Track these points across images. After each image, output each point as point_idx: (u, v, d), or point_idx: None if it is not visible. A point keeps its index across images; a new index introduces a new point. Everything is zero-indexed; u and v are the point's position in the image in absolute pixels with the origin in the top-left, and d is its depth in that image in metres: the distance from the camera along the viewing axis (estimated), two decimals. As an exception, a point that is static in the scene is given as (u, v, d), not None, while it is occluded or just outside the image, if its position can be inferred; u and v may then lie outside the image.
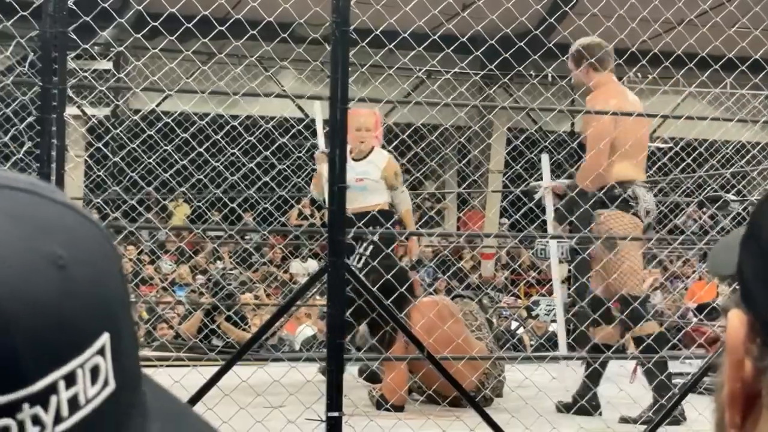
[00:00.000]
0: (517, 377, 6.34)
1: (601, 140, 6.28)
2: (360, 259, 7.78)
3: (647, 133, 6.77)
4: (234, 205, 12.01)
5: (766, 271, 0.76)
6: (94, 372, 0.75)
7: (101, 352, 0.75)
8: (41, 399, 0.71)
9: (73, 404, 0.73)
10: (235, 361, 4.94)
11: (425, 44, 5.63)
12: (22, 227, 0.75)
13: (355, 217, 7.16)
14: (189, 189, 11.34)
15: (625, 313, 6.11)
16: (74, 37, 4.92)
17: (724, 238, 0.87)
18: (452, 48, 5.76)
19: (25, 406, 0.71)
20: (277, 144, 10.00)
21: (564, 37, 6.64)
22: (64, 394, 0.72)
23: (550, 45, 6.13)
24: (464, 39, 5.52)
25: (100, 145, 6.57)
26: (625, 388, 5.99)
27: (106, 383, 0.75)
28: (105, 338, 0.75)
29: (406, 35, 5.41)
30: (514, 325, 11.57)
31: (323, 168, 7.45)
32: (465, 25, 6.19)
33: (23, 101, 6.46)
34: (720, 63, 6.07)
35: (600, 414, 6.23)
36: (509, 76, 10.41)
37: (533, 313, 11.72)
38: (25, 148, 4.96)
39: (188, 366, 5.52)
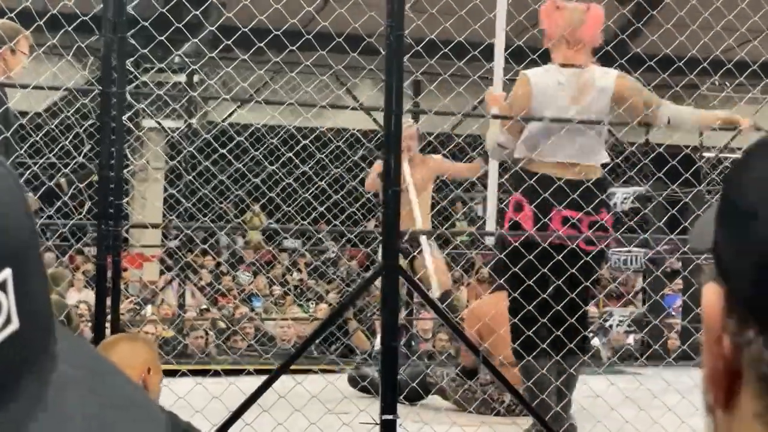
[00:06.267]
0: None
1: None
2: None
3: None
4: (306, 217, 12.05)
5: (739, 243, 0.74)
6: None
7: (2, 287, 0.74)
8: None
9: None
10: (288, 365, 4.99)
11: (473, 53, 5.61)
12: None
13: None
14: (266, 202, 11.44)
15: None
16: (133, 42, 5.02)
17: (706, 213, 0.83)
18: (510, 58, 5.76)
19: None
20: (352, 159, 10.09)
21: (638, 47, 6.61)
22: None
23: (622, 61, 6.10)
24: (514, 42, 5.50)
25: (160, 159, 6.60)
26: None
27: (8, 321, 0.75)
28: (7, 273, 0.75)
29: (460, 39, 5.41)
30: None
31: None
32: (534, 39, 6.17)
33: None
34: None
35: None
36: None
37: (607, 325, 11.59)
38: (84, 151, 5.07)
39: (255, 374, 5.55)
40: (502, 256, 5.61)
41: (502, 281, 5.81)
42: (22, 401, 0.77)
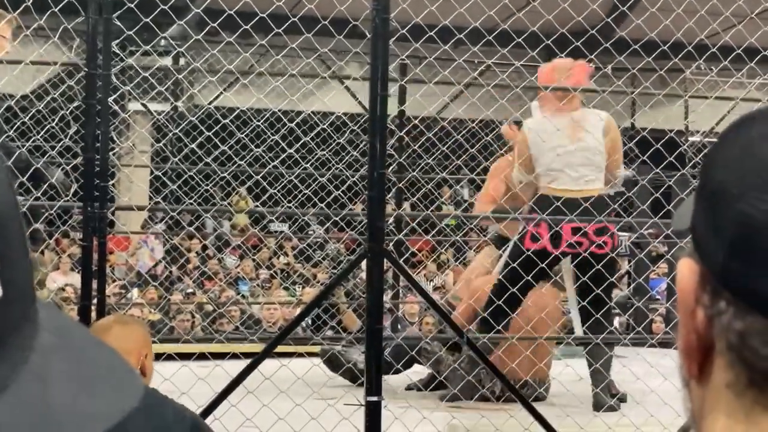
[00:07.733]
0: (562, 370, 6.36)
1: None
2: None
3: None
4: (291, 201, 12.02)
5: (713, 219, 0.77)
6: None
7: None
8: None
9: None
10: (273, 347, 5.00)
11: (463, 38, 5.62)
12: None
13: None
14: (253, 185, 11.43)
15: None
16: (119, 23, 5.02)
17: (690, 195, 0.85)
18: (499, 42, 5.77)
19: None
20: (338, 142, 10.09)
21: (623, 31, 6.63)
22: None
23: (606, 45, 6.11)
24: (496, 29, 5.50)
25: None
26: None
27: None
28: None
29: (446, 22, 5.42)
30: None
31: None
32: (521, 23, 6.18)
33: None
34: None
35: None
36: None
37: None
38: (71, 132, 5.07)
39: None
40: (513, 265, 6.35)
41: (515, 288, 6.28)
42: (4, 366, 0.78)
